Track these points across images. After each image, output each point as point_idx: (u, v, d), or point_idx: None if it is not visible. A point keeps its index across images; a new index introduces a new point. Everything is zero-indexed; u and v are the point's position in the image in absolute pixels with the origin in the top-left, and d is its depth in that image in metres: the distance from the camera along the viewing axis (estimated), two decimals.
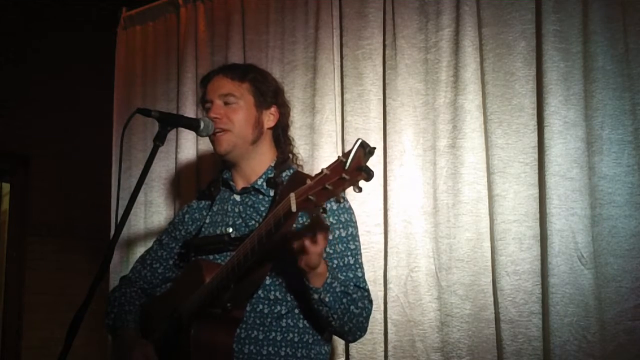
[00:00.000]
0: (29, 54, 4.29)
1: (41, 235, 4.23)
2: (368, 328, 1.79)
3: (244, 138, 1.87)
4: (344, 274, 1.76)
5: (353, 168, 1.30)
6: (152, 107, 2.16)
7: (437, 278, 2.11)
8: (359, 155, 1.31)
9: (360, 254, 1.83)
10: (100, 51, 3.46)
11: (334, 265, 1.76)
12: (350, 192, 2.17)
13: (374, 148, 1.33)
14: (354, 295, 1.70)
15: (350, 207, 1.86)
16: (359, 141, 1.31)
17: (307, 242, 1.52)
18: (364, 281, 1.79)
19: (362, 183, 1.33)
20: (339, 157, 1.34)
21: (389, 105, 2.26)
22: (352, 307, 1.69)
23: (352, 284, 1.73)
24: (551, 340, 1.88)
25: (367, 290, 1.78)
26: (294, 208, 1.40)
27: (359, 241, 1.84)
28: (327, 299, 1.63)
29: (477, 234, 2.07)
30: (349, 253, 1.78)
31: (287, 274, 1.74)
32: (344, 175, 1.31)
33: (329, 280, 1.63)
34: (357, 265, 1.79)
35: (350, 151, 1.31)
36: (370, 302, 1.78)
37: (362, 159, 1.31)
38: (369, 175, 1.31)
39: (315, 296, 1.62)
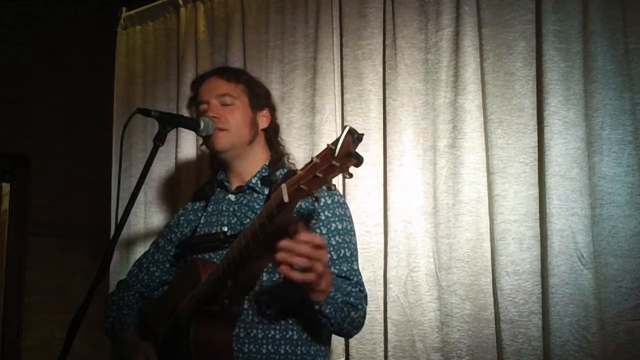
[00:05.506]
0: (29, 54, 4.29)
1: (41, 235, 4.23)
2: (368, 328, 1.79)
3: (242, 138, 1.90)
4: (339, 266, 1.75)
5: (342, 154, 1.31)
6: (152, 107, 2.17)
7: (437, 278, 2.11)
8: (348, 142, 1.31)
9: (356, 247, 1.83)
10: (100, 51, 3.46)
11: (328, 258, 1.75)
12: (350, 192, 2.20)
13: (362, 134, 1.33)
14: (355, 302, 1.69)
15: (344, 202, 1.87)
16: (347, 127, 1.32)
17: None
18: (359, 274, 1.79)
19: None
20: (328, 145, 1.34)
21: (389, 105, 2.26)
22: (352, 312, 1.68)
23: (353, 291, 1.70)
24: (551, 340, 1.88)
25: (362, 285, 1.78)
26: (286, 198, 1.40)
27: (354, 234, 1.84)
28: (327, 311, 1.60)
29: (477, 234, 2.07)
30: (345, 245, 1.78)
31: None
32: (333, 162, 1.32)
33: (331, 294, 1.59)
34: (353, 258, 1.79)
35: (338, 138, 1.32)
36: (366, 297, 1.77)
37: (351, 145, 1.31)
38: (358, 160, 1.31)
39: (316, 307, 1.60)
